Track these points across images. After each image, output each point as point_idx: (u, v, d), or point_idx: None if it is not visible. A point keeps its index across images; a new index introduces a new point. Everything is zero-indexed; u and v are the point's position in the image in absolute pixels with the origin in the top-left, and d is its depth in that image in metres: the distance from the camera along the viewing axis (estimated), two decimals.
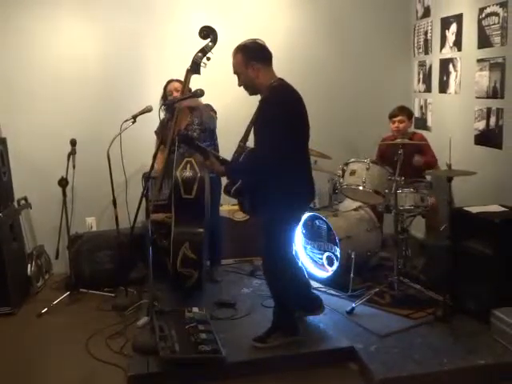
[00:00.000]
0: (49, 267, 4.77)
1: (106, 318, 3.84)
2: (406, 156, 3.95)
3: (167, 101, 4.02)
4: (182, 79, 3.92)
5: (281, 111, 2.98)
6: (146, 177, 3.66)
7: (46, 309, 4.00)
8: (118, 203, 4.11)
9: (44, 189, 4.67)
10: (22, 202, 4.63)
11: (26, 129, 4.69)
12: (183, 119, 4.03)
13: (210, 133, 4.10)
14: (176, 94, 4.11)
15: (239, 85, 3.16)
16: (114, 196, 4.07)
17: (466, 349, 3.16)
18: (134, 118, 3.97)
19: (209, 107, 4.10)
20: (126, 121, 3.93)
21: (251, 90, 3.16)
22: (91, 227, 4.94)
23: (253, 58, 3.07)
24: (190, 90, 3.79)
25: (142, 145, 4.44)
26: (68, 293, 4.20)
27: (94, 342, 3.51)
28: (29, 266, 4.41)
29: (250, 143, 3.25)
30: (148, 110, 4.03)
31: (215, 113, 4.16)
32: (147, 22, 4.81)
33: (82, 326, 3.74)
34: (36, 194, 4.73)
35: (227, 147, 3.70)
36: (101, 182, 4.31)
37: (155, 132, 4.26)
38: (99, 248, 4.45)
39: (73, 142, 4.24)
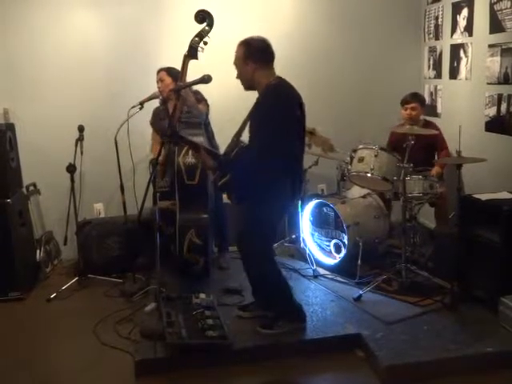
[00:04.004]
0: (57, 253, 4.80)
1: (114, 303, 3.87)
2: (418, 144, 3.89)
3: (174, 87, 3.98)
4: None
5: (276, 110, 3.02)
6: (154, 163, 3.66)
7: (54, 294, 4.03)
8: (126, 189, 4.12)
9: (52, 175, 4.67)
10: (31, 188, 4.67)
11: (35, 115, 4.69)
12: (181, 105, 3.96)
13: (198, 122, 3.97)
14: (159, 85, 4.09)
15: (236, 77, 3.21)
16: (121, 182, 4.08)
17: (474, 336, 3.15)
18: (142, 104, 3.96)
19: (196, 94, 4.02)
20: (133, 107, 3.93)
21: (245, 84, 3.21)
22: (99, 213, 4.96)
23: (251, 57, 3.10)
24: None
25: (149, 131, 4.42)
26: (76, 278, 4.23)
27: (102, 327, 3.54)
28: (38, 251, 4.44)
29: (245, 139, 3.23)
30: (155, 96, 4.03)
31: (206, 100, 4.09)
32: (153, 9, 4.78)
33: (90, 312, 3.77)
34: (44, 180, 4.75)
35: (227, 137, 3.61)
36: (108, 168, 4.32)
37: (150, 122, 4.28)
38: (107, 234, 4.46)
39: (80, 128, 4.24)
